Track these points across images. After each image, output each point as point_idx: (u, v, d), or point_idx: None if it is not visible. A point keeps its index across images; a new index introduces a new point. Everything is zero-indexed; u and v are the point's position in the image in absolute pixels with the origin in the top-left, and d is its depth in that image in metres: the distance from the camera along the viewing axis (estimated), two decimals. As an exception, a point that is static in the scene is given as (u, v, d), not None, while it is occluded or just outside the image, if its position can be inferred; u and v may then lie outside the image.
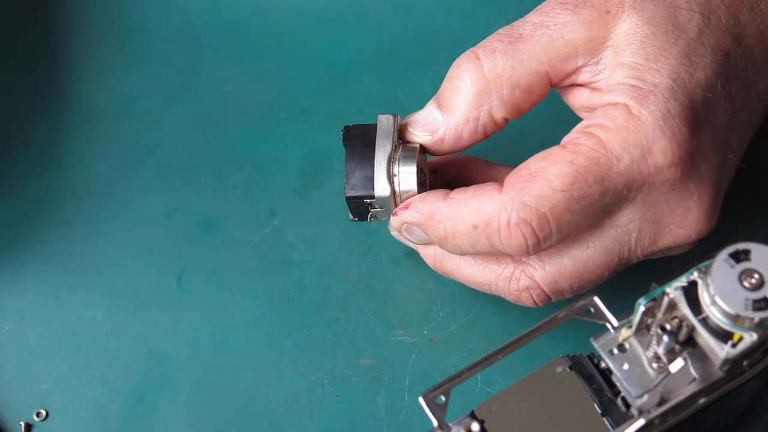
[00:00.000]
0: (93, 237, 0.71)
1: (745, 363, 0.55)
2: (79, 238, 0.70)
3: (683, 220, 0.59)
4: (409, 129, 0.63)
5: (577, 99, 0.62)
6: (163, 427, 0.66)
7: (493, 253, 0.61)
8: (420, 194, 0.62)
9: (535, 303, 0.62)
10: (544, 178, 0.58)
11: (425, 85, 0.72)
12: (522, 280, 0.62)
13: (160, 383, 0.67)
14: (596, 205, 0.58)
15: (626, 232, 0.60)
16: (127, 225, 0.71)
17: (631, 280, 0.68)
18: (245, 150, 0.72)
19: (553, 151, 0.58)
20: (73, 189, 0.72)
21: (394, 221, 0.63)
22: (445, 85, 0.62)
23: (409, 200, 0.62)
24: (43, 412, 0.66)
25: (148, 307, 0.69)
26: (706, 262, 0.54)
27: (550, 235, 0.58)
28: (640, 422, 0.54)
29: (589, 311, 0.57)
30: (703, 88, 0.58)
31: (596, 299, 0.57)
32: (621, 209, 0.59)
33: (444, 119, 0.62)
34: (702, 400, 0.55)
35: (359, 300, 0.69)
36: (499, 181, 0.61)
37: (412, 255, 0.69)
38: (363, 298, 0.69)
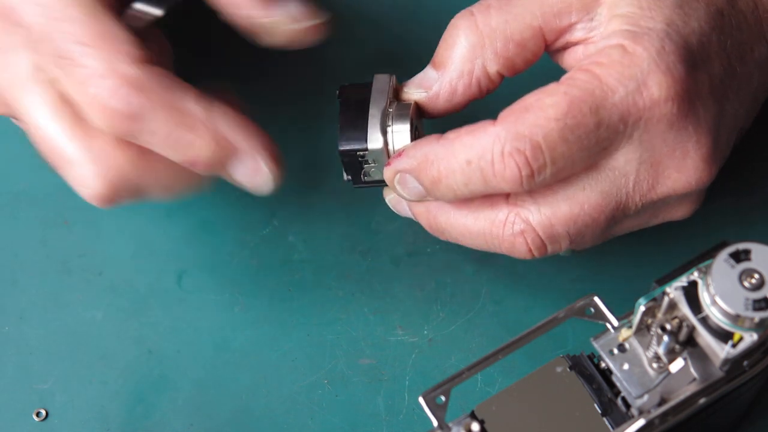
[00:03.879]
0: (93, 237, 0.71)
1: (745, 363, 0.55)
2: (79, 238, 0.70)
3: (681, 164, 0.59)
4: (405, 89, 0.63)
5: (572, 57, 0.62)
6: (163, 427, 0.66)
7: (487, 195, 0.61)
8: (413, 142, 0.62)
9: (531, 251, 0.61)
10: (538, 109, 0.58)
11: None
12: (516, 223, 0.60)
13: (160, 383, 0.67)
14: (591, 137, 0.58)
15: (623, 174, 0.59)
16: (127, 225, 0.71)
17: (631, 279, 0.68)
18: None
19: (549, 86, 0.58)
20: (73, 189, 0.71)
21: (387, 172, 0.62)
22: (440, 44, 0.62)
23: (401, 148, 0.62)
24: (43, 412, 0.66)
25: (148, 307, 0.69)
26: (706, 262, 0.54)
27: (544, 166, 0.58)
28: (641, 422, 0.54)
29: (589, 311, 0.57)
30: (698, 34, 0.59)
31: (596, 299, 0.57)
32: (617, 147, 0.59)
33: (438, 75, 0.62)
34: (702, 400, 0.55)
35: (359, 300, 0.69)
36: None
37: (413, 255, 0.69)
38: (363, 298, 0.69)
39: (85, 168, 0.59)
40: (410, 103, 0.62)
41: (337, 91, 0.63)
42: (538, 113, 0.58)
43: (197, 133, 0.58)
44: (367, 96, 0.63)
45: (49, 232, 0.71)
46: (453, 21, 0.62)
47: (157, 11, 0.62)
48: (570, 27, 0.61)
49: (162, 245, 0.70)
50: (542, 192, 0.60)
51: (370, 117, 0.62)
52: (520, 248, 0.61)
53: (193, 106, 0.58)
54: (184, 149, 0.59)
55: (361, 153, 0.62)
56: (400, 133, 0.62)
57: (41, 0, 0.58)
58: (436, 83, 0.62)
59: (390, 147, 0.62)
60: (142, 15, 0.62)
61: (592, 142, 0.58)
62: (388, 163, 0.62)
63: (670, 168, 0.59)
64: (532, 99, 0.58)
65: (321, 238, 0.70)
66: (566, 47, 0.62)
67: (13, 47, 0.60)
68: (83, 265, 0.70)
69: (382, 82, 0.63)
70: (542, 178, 0.58)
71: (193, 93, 0.59)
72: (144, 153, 0.59)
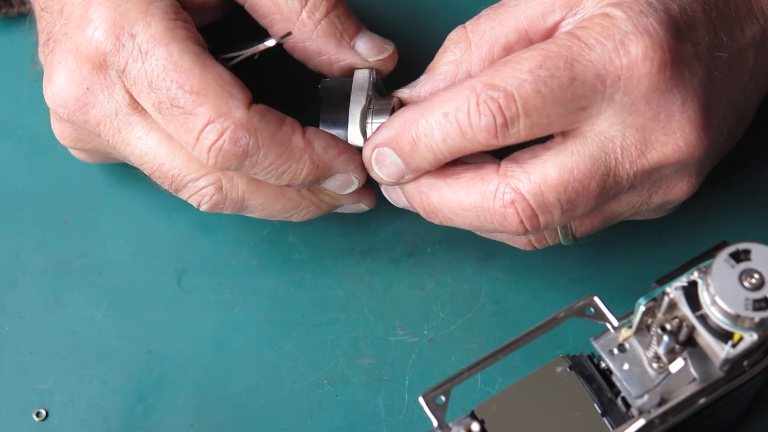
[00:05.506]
0: (93, 237, 0.71)
1: (745, 363, 0.55)
2: (79, 238, 0.70)
3: (667, 126, 0.59)
4: (396, 93, 0.65)
5: None
6: (163, 427, 0.66)
7: (479, 174, 0.61)
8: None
9: (523, 223, 0.61)
10: (515, 62, 0.59)
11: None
12: (507, 193, 0.60)
13: (160, 383, 0.67)
14: (566, 92, 0.58)
15: (610, 139, 0.59)
16: (127, 225, 0.71)
17: (631, 279, 0.68)
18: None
19: (528, 47, 0.60)
20: (73, 189, 0.72)
21: (366, 149, 0.63)
22: (435, 56, 0.64)
23: (383, 122, 0.63)
24: (43, 412, 0.66)
25: (148, 307, 0.69)
26: (706, 262, 0.54)
27: (516, 116, 0.58)
28: (641, 422, 0.54)
29: (589, 311, 0.57)
30: (680, 3, 0.60)
31: (596, 299, 0.57)
32: (599, 110, 0.59)
33: (425, 78, 0.64)
34: (702, 400, 0.55)
35: (359, 300, 0.69)
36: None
37: (413, 255, 0.69)
38: (363, 298, 0.69)
39: (201, 181, 0.63)
40: (391, 98, 0.64)
41: (319, 86, 0.64)
42: (514, 66, 0.59)
43: (299, 161, 0.62)
44: (348, 92, 0.64)
45: (49, 232, 0.71)
46: (449, 35, 0.64)
47: (248, 52, 0.65)
48: (556, 25, 0.62)
49: (162, 245, 0.70)
50: (531, 161, 0.60)
51: (350, 113, 0.63)
52: (511, 220, 0.61)
53: (295, 138, 0.61)
54: (285, 176, 0.62)
55: None
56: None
57: (149, 50, 0.60)
58: (420, 83, 0.64)
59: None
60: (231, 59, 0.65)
61: (567, 97, 0.58)
62: (367, 140, 0.63)
63: (657, 131, 0.59)
64: (510, 56, 0.60)
65: (321, 238, 0.70)
66: None
67: (106, 87, 0.62)
68: (83, 265, 0.70)
69: (362, 78, 0.64)
70: (516, 129, 0.59)
71: (292, 124, 0.62)
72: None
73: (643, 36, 0.58)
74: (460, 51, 0.63)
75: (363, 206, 0.66)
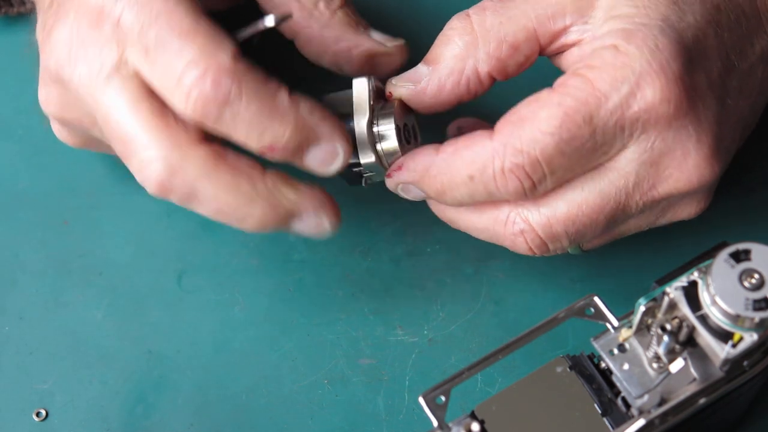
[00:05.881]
0: (93, 237, 0.71)
1: (745, 363, 0.55)
2: (79, 238, 0.70)
3: (683, 164, 0.59)
4: (393, 81, 0.63)
5: (568, 59, 0.62)
6: (163, 427, 0.66)
7: (492, 202, 0.61)
8: (411, 152, 0.62)
9: (531, 249, 0.62)
10: (533, 122, 0.58)
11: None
12: (517, 223, 0.61)
13: (160, 383, 0.67)
14: (587, 146, 0.58)
15: (623, 176, 0.59)
16: (127, 225, 0.71)
17: (631, 279, 0.68)
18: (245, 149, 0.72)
19: (542, 94, 0.59)
20: (73, 189, 0.72)
21: (389, 183, 0.63)
22: (435, 42, 0.63)
23: (401, 161, 0.62)
24: (43, 412, 0.66)
25: (148, 307, 0.69)
26: (707, 262, 0.54)
27: (543, 178, 0.59)
28: (641, 422, 0.54)
29: (589, 311, 0.57)
30: (693, 29, 0.59)
31: (596, 299, 0.57)
32: (617, 150, 0.59)
33: (428, 71, 0.62)
34: (702, 400, 0.55)
35: (359, 300, 0.69)
36: None
37: (412, 255, 0.69)
38: (363, 298, 0.69)
39: (151, 151, 0.59)
40: (392, 105, 0.63)
41: (321, 100, 0.63)
42: (533, 127, 0.58)
43: (282, 120, 0.59)
44: (350, 108, 0.63)
45: (49, 232, 0.71)
46: (449, 21, 0.62)
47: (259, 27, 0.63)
48: (564, 30, 0.61)
49: (162, 245, 0.70)
50: (543, 195, 0.60)
51: (356, 131, 0.62)
52: (520, 246, 0.62)
53: (281, 95, 0.59)
54: (267, 135, 0.59)
55: (356, 168, 0.63)
56: (387, 134, 0.62)
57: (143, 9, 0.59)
58: (425, 78, 0.63)
59: (380, 152, 0.63)
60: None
61: (590, 149, 0.58)
62: (389, 175, 0.63)
63: (671, 167, 0.59)
64: (526, 110, 0.59)
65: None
66: (562, 50, 0.62)
67: (98, 43, 0.60)
68: (83, 265, 0.70)
69: (361, 89, 0.63)
70: (544, 187, 0.59)
71: (278, 83, 0.59)
72: (215, 158, 0.60)
73: (658, 76, 0.57)
74: (465, 44, 0.62)
75: (326, 224, 0.62)
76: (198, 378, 0.67)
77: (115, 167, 0.72)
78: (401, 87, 0.63)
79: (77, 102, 0.62)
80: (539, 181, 0.59)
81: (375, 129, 0.62)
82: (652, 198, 0.60)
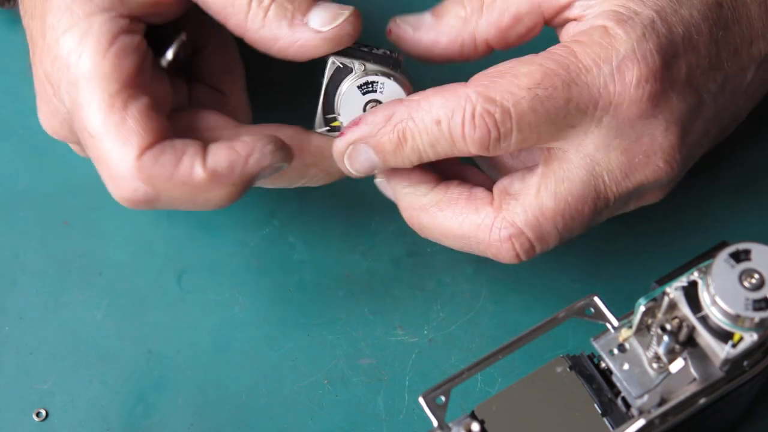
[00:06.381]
0: (93, 237, 0.71)
1: (745, 363, 0.55)
2: (79, 238, 0.70)
3: (649, 150, 0.60)
4: (397, 20, 0.64)
5: (567, 32, 0.62)
6: (163, 427, 0.66)
7: (474, 206, 0.61)
8: (371, 109, 0.62)
9: (518, 255, 0.61)
10: (512, 75, 0.59)
11: (426, 84, 0.71)
12: (503, 228, 0.61)
13: (160, 383, 0.67)
14: (560, 112, 0.58)
15: (596, 162, 0.60)
16: (127, 225, 0.71)
17: (631, 279, 0.68)
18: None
19: (527, 56, 0.59)
20: (73, 189, 0.72)
21: (339, 143, 0.62)
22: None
23: (359, 116, 0.62)
24: (43, 412, 0.66)
25: (148, 307, 0.69)
26: (707, 262, 0.54)
27: (510, 132, 0.59)
28: (641, 422, 0.54)
29: (589, 311, 0.57)
30: (686, 24, 0.59)
31: (596, 299, 0.57)
32: (586, 131, 0.59)
33: (432, 22, 0.63)
34: (702, 400, 0.55)
35: (359, 300, 0.69)
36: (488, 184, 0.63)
37: (413, 255, 0.69)
38: (363, 298, 0.69)
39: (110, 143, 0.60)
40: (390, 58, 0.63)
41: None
42: (511, 80, 0.58)
43: (206, 192, 0.60)
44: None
45: (49, 232, 0.71)
46: None
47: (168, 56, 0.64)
48: (568, 5, 0.61)
49: (162, 245, 0.70)
50: (524, 192, 0.60)
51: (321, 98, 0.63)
52: (506, 253, 0.61)
53: (197, 171, 0.59)
54: (199, 205, 0.61)
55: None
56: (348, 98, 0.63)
57: (72, 79, 0.60)
58: (425, 27, 0.63)
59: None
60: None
61: (560, 116, 0.58)
62: (341, 133, 0.62)
63: (639, 154, 0.60)
64: (507, 66, 0.59)
65: (321, 238, 0.70)
66: (565, 23, 0.62)
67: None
68: (83, 265, 0.70)
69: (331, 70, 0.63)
70: (507, 143, 0.59)
71: (192, 156, 0.59)
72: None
73: (639, 64, 0.58)
74: (471, 8, 0.62)
75: (278, 158, 0.61)
76: (198, 378, 0.67)
77: (115, 167, 0.72)
78: (401, 27, 0.64)
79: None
80: (504, 136, 0.59)
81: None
82: (626, 188, 0.60)
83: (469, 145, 0.59)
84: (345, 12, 0.62)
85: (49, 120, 0.63)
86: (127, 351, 0.68)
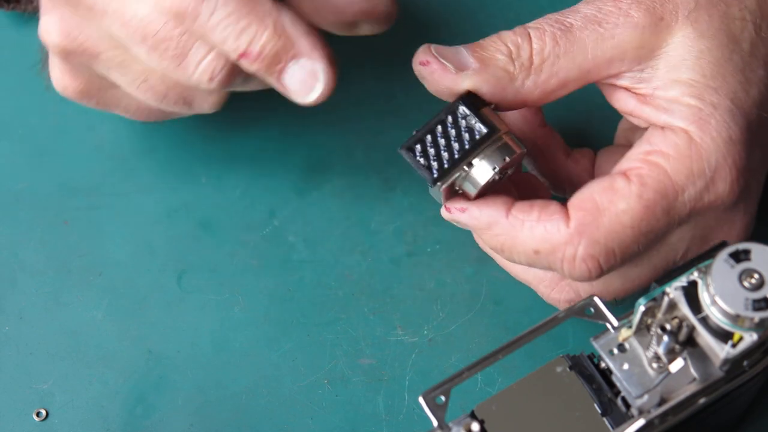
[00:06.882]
0: (93, 237, 0.71)
1: (745, 363, 0.55)
2: (79, 238, 0.70)
3: (728, 234, 0.60)
4: (432, 49, 0.59)
5: (622, 104, 0.60)
6: (163, 427, 0.66)
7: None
8: (478, 201, 0.60)
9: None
10: (613, 214, 0.57)
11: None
12: (565, 292, 0.61)
13: (160, 383, 0.67)
14: (660, 235, 0.58)
15: (674, 250, 0.60)
16: (127, 225, 0.71)
17: (631, 280, 0.68)
18: (245, 150, 0.72)
19: (618, 183, 0.58)
20: (73, 189, 0.72)
21: (444, 214, 0.61)
22: (487, 40, 0.59)
23: (466, 205, 0.60)
24: (43, 412, 0.66)
25: (148, 307, 0.69)
26: (706, 262, 0.54)
27: (614, 266, 0.58)
28: (641, 422, 0.54)
29: (589, 311, 0.57)
30: (758, 105, 0.58)
31: (596, 299, 0.57)
32: (674, 232, 0.59)
33: (471, 64, 0.59)
34: (702, 400, 0.55)
35: (359, 300, 0.69)
36: (575, 173, 0.62)
37: (413, 255, 0.69)
38: (363, 298, 0.69)
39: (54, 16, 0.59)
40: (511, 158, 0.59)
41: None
42: (613, 219, 0.57)
43: (260, 21, 0.56)
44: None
45: (49, 232, 0.71)
46: (506, 33, 0.59)
47: None
48: (618, 74, 0.59)
49: (162, 245, 0.70)
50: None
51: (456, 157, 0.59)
52: (561, 308, 0.61)
53: None
54: (243, 37, 0.56)
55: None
56: (473, 182, 0.60)
57: None
58: (465, 72, 0.59)
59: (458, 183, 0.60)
60: None
61: (660, 236, 0.58)
62: (447, 208, 0.61)
63: (717, 238, 0.60)
64: (602, 199, 0.57)
65: (321, 238, 0.70)
66: (612, 87, 0.60)
67: None
68: (83, 265, 0.70)
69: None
70: (609, 272, 0.59)
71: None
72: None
73: (731, 171, 0.57)
74: (520, 66, 0.59)
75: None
76: (198, 378, 0.67)
77: (115, 167, 0.72)
78: (442, 63, 0.59)
79: (88, 15, 0.60)
80: (609, 269, 0.58)
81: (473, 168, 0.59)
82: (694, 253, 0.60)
83: (569, 277, 0.59)
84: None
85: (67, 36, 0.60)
86: (127, 351, 0.68)
